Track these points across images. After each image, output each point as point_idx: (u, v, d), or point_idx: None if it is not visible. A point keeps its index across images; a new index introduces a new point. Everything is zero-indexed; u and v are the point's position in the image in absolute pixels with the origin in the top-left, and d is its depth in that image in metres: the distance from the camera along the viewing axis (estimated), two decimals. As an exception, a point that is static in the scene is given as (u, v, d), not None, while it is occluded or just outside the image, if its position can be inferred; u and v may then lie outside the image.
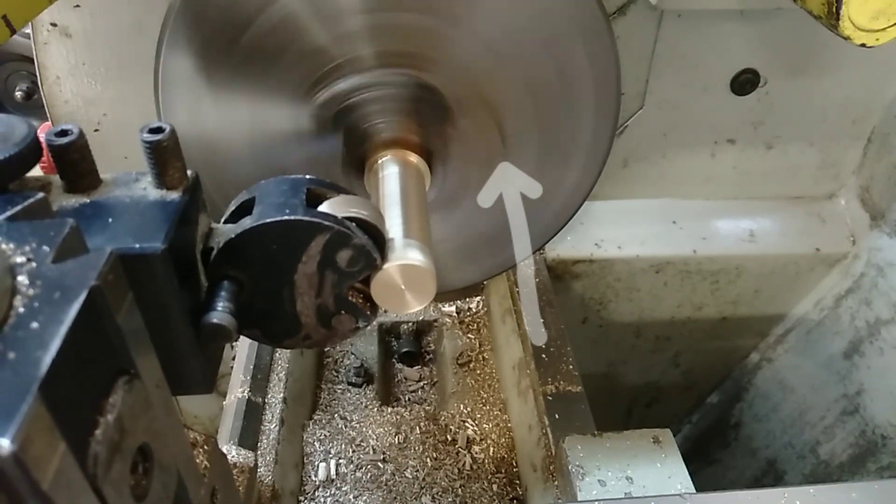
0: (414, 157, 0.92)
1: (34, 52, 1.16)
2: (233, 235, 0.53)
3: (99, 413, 0.34)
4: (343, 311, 0.61)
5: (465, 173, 0.98)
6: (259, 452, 1.02)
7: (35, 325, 0.32)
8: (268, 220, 0.54)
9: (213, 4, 0.83)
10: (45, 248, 0.36)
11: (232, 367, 1.25)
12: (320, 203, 0.59)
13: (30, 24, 0.96)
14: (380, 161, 0.91)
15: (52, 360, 0.30)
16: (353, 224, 0.58)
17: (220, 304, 0.51)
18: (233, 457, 0.60)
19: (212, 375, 0.52)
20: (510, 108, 0.94)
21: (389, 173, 0.89)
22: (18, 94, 2.57)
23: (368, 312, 0.63)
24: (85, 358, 0.33)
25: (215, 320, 0.49)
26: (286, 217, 0.54)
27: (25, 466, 0.27)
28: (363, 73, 0.88)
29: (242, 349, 1.26)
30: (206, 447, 0.50)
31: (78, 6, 1.12)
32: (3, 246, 0.36)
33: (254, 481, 0.63)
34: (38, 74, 1.18)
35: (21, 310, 0.33)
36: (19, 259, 0.36)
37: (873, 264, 1.55)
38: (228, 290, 0.52)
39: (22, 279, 0.34)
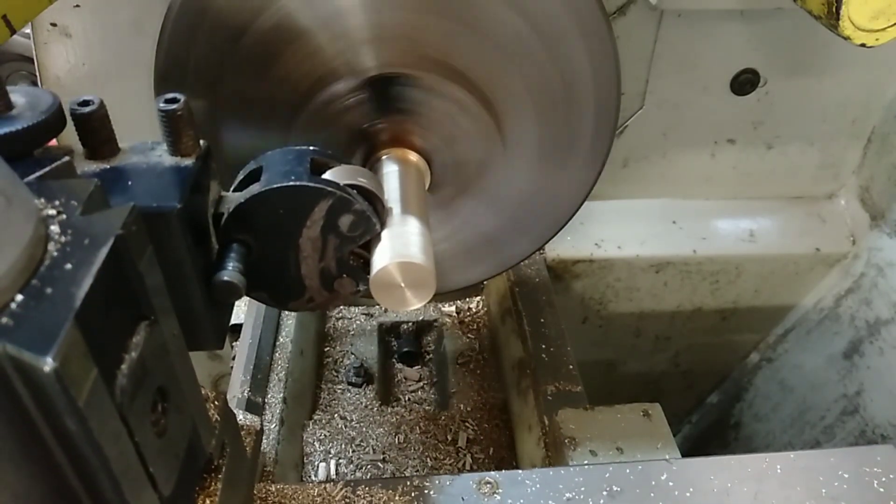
0: (414, 156, 0.93)
1: (34, 52, 1.16)
2: (242, 200, 0.56)
3: (124, 350, 0.36)
4: (344, 275, 0.64)
5: (464, 173, 1.00)
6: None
7: (69, 266, 0.35)
8: (275, 186, 0.57)
9: (213, 5, 0.84)
10: (74, 202, 0.39)
11: (232, 367, 1.24)
12: (324, 172, 0.62)
13: (30, 24, 0.96)
14: (380, 159, 0.92)
15: (85, 295, 0.33)
16: (355, 191, 0.61)
17: (231, 265, 0.54)
18: (240, 419, 0.63)
19: (222, 332, 0.55)
20: (510, 108, 0.94)
21: (389, 171, 0.90)
22: (18, 93, 2.59)
23: (368, 276, 0.65)
24: (112, 298, 0.36)
25: (226, 278, 0.52)
26: (292, 183, 0.57)
27: (64, 383, 0.29)
28: (364, 73, 0.89)
29: (242, 349, 1.25)
30: (216, 402, 0.52)
31: (78, 6, 1.11)
32: (36, 200, 0.39)
33: (259, 444, 0.65)
34: (38, 74, 1.17)
35: (55, 254, 0.36)
36: (51, 212, 0.39)
37: (873, 264, 1.55)
38: (238, 252, 0.55)
39: (54, 228, 0.38)
